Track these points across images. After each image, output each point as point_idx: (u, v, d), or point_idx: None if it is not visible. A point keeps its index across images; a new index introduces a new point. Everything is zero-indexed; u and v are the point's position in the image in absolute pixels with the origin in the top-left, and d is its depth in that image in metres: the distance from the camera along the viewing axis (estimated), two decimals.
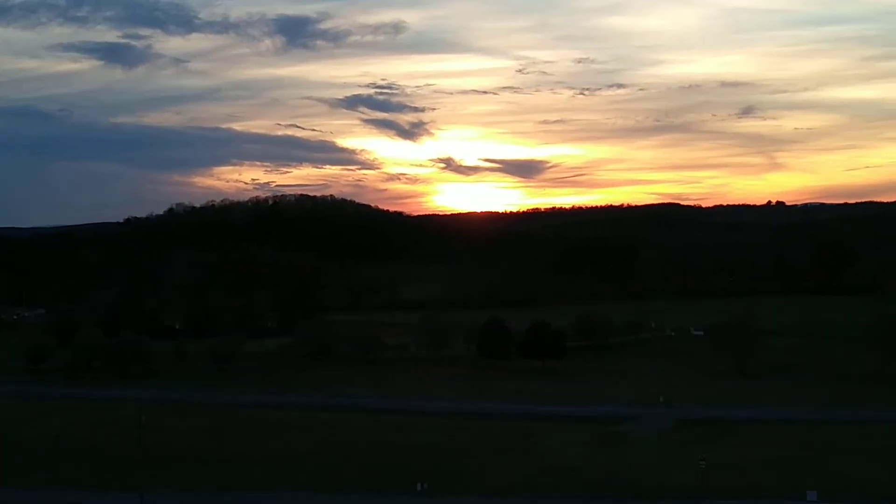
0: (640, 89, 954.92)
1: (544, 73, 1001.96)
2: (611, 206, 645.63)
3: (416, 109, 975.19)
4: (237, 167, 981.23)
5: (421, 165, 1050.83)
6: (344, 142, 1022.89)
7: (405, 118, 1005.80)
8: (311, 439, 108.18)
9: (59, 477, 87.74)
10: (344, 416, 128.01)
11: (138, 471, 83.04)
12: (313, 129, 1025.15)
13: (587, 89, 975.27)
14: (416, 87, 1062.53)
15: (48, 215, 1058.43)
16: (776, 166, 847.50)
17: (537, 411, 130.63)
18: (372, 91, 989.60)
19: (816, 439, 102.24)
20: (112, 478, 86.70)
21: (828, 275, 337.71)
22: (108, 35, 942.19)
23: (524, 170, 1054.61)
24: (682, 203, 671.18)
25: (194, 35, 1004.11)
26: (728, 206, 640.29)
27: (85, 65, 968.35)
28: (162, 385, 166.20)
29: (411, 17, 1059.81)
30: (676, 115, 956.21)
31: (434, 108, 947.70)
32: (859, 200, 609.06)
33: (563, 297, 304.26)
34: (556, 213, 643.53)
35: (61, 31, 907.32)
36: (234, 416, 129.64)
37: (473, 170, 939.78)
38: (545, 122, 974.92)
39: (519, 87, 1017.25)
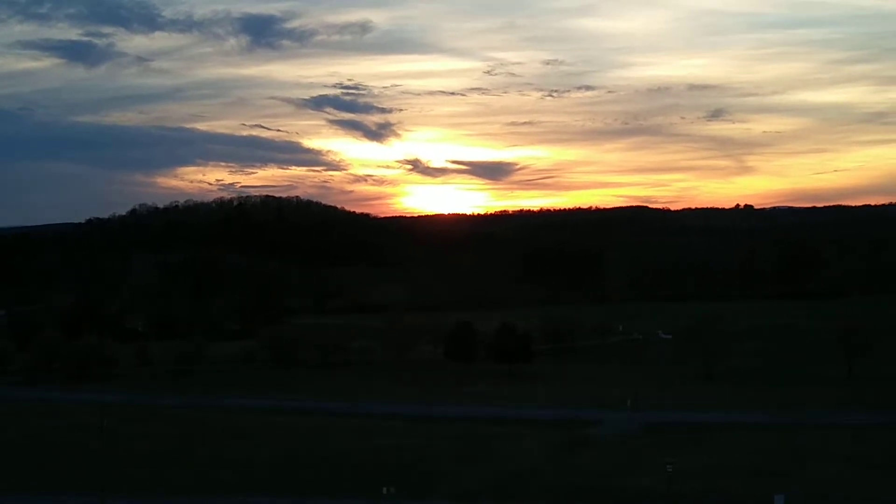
0: (609, 91, 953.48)
1: (512, 74, 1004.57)
2: (579, 208, 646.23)
3: (383, 110, 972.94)
4: (201, 168, 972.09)
5: (388, 167, 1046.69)
6: (310, 142, 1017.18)
7: (372, 119, 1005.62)
8: (274, 443, 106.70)
9: (19, 481, 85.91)
10: (308, 420, 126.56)
11: (99, 474, 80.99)
12: (279, 130, 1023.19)
13: (555, 91, 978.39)
14: (383, 87, 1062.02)
15: (7, 215, 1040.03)
16: (745, 169, 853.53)
17: (504, 415, 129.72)
18: (338, 91, 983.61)
19: (784, 443, 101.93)
20: (73, 481, 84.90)
21: (795, 279, 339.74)
22: (70, 33, 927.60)
23: (492, 172, 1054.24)
24: (650, 206, 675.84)
25: (158, 33, 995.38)
26: (696, 209, 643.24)
27: (46, 63, 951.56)
28: (123, 388, 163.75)
29: (378, 17, 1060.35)
30: (645, 117, 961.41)
31: (401, 109, 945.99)
32: (827, 204, 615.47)
33: (530, 299, 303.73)
34: (523, 216, 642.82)
35: (21, 29, 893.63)
36: (197, 419, 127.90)
37: (441, 171, 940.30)
38: (513, 123, 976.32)
39: (487, 89, 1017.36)
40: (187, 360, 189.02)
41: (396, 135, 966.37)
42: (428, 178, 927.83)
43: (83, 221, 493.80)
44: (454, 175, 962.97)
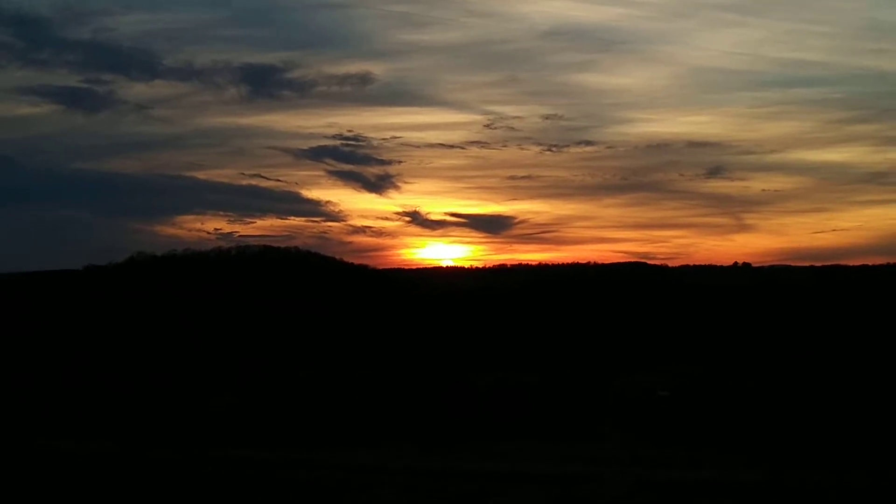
0: (608, 147, 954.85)
1: (512, 128, 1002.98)
2: (577, 263, 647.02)
3: (382, 162, 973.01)
4: (200, 216, 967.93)
5: (387, 218, 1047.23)
6: (309, 193, 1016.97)
7: (371, 170, 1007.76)
8: (267, 499, 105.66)
9: None
10: (302, 474, 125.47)
11: None
12: (278, 180, 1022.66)
13: (555, 146, 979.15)
14: (383, 139, 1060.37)
15: (4, 261, 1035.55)
16: (743, 227, 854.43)
17: (499, 471, 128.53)
18: (338, 142, 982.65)
19: (785, 500, 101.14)
20: None
21: (792, 337, 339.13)
22: (70, 79, 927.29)
23: (491, 225, 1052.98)
24: (648, 262, 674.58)
25: (158, 81, 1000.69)
26: (695, 265, 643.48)
27: (45, 109, 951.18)
28: (120, 438, 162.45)
29: (379, 69, 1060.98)
30: (644, 173, 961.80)
31: (401, 161, 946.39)
32: (825, 264, 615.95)
33: (529, 354, 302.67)
34: (522, 270, 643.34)
35: (21, 75, 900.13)
36: (192, 470, 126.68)
37: (439, 224, 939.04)
38: (512, 177, 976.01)
39: (486, 142, 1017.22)
40: (183, 409, 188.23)
41: (396, 187, 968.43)
42: (427, 231, 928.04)
43: (81, 268, 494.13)
44: (453, 228, 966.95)
